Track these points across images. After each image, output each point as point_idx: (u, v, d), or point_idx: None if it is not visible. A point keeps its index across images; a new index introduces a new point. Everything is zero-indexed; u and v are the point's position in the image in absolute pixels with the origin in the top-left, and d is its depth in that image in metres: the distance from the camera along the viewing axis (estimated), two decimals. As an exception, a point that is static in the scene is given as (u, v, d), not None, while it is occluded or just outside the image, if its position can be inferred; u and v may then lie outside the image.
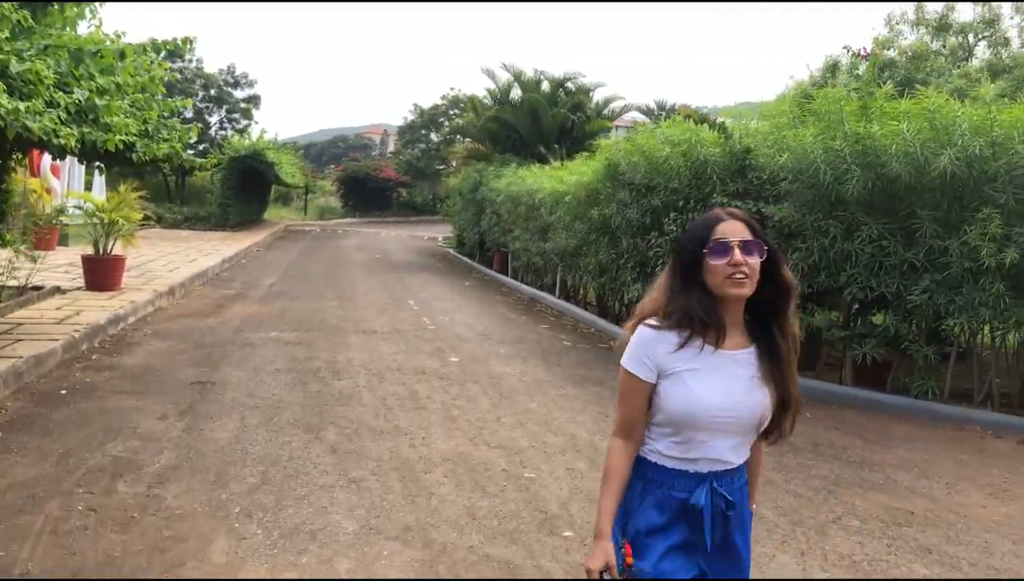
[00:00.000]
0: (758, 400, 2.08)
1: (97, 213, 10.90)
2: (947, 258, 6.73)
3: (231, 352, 8.26)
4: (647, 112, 29.38)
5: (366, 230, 32.92)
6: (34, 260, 10.30)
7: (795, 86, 10.14)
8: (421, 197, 44.22)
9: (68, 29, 6.26)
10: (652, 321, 2.12)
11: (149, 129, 7.93)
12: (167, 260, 15.45)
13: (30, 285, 10.31)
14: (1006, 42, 10.37)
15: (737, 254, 2.00)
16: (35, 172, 16.04)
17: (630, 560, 2.07)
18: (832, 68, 9.99)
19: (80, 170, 18.34)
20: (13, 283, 9.87)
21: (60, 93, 5.76)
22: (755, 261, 2.03)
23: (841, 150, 7.12)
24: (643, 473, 2.16)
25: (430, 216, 42.97)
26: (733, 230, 2.05)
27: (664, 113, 26.20)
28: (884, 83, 8.35)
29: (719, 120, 8.41)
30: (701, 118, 8.49)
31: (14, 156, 8.51)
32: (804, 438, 6.17)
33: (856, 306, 7.65)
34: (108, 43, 6.37)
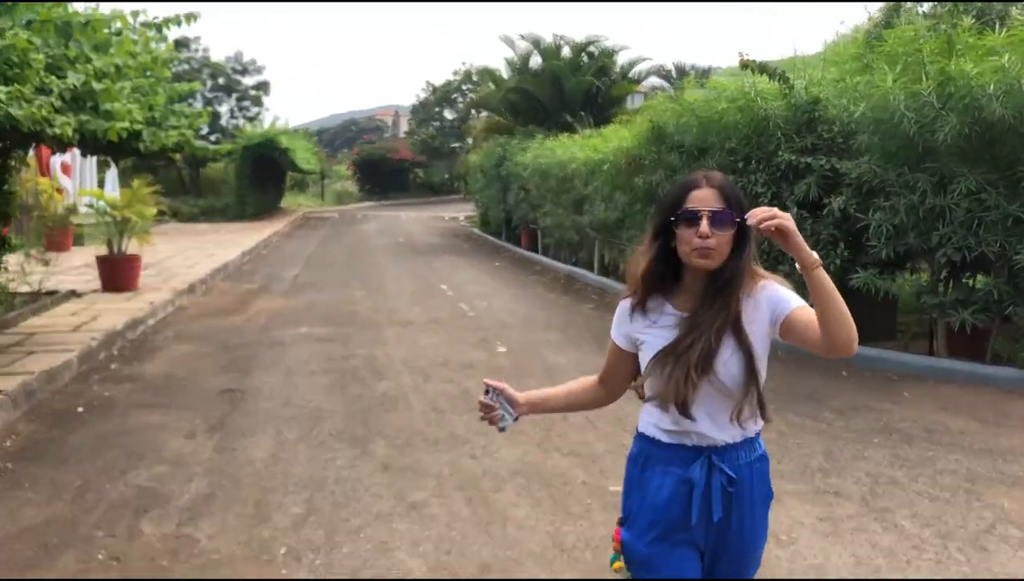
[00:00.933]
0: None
1: (109, 211, 10.27)
2: (1061, 209, 5.93)
3: (260, 353, 7.62)
4: (666, 75, 28.40)
5: (385, 213, 32.28)
6: (46, 263, 9.74)
7: (852, 31, 9.31)
8: (438, 177, 43.50)
9: (58, 7, 5.57)
10: (630, 297, 2.12)
11: (156, 116, 7.26)
12: (185, 256, 14.86)
13: (44, 290, 9.74)
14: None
15: (704, 225, 1.91)
16: (45, 171, 15.47)
17: (617, 545, 2.10)
18: (896, 8, 9.15)
19: (92, 168, 17.77)
20: (26, 289, 9.31)
21: (52, 78, 5.09)
22: (725, 233, 1.92)
23: (928, 94, 6.31)
24: (644, 448, 2.12)
25: (448, 196, 42.28)
26: (705, 198, 1.94)
27: (691, 75, 25.28)
28: (960, 18, 7.49)
29: (779, 70, 7.58)
30: (760, 67, 7.64)
31: (15, 154, 7.87)
32: (912, 423, 5.44)
33: (947, 269, 6.86)
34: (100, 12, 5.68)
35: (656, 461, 2.08)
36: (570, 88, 18.55)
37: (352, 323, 9.13)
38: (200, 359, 7.41)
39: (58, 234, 14.01)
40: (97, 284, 10.49)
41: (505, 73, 20.45)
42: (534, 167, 15.32)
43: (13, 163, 7.98)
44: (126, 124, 5.72)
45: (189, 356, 7.53)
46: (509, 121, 19.82)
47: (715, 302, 1.97)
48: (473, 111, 38.84)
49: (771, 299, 1.99)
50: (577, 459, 4.78)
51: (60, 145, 5.94)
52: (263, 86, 33.83)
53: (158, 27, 6.60)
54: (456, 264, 15.44)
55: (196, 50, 31.65)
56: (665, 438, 2.07)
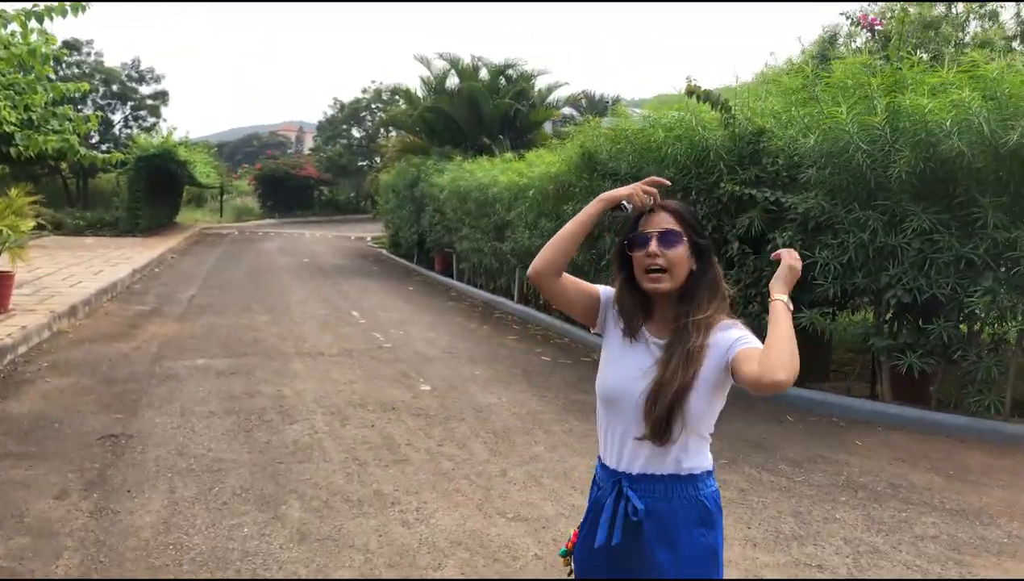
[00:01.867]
0: (643, 388, 1.97)
1: (-22, 221, 9.09)
2: (1015, 253, 5.74)
3: (150, 388, 6.72)
4: (576, 103, 28.36)
5: (288, 231, 30.97)
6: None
7: (786, 64, 9.14)
8: (344, 195, 42.31)
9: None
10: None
11: (33, 117, 6.33)
12: (68, 273, 13.54)
13: None
14: (995, 15, 9.61)
15: (652, 245, 1.96)
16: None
17: (570, 545, 2.16)
18: (830, 40, 9.04)
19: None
20: None
21: None
22: (675, 252, 1.96)
23: (880, 127, 6.06)
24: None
25: (354, 215, 41.16)
26: (657, 221, 2.00)
27: (605, 104, 25.27)
28: (899, 53, 7.36)
29: (722, 98, 7.25)
30: (705, 95, 7.29)
31: None
32: (873, 477, 5.08)
33: (894, 309, 6.61)
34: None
35: (597, 475, 2.15)
36: (488, 111, 18.06)
37: (256, 353, 8.28)
38: (78, 395, 6.45)
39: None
40: (-39, 304, 9.26)
41: (420, 92, 19.81)
42: (451, 189, 14.73)
43: None
44: (-8, 123, 4.84)
45: (65, 391, 6.55)
46: (424, 141, 19.16)
47: (681, 331, 1.96)
48: (384, 130, 38.04)
49: (726, 339, 1.92)
50: (524, 525, 4.17)
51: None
52: (161, 96, 32.11)
53: (38, 16, 5.71)
54: (367, 287, 14.64)
55: (88, 53, 29.80)
56: (602, 454, 2.13)
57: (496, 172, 12.82)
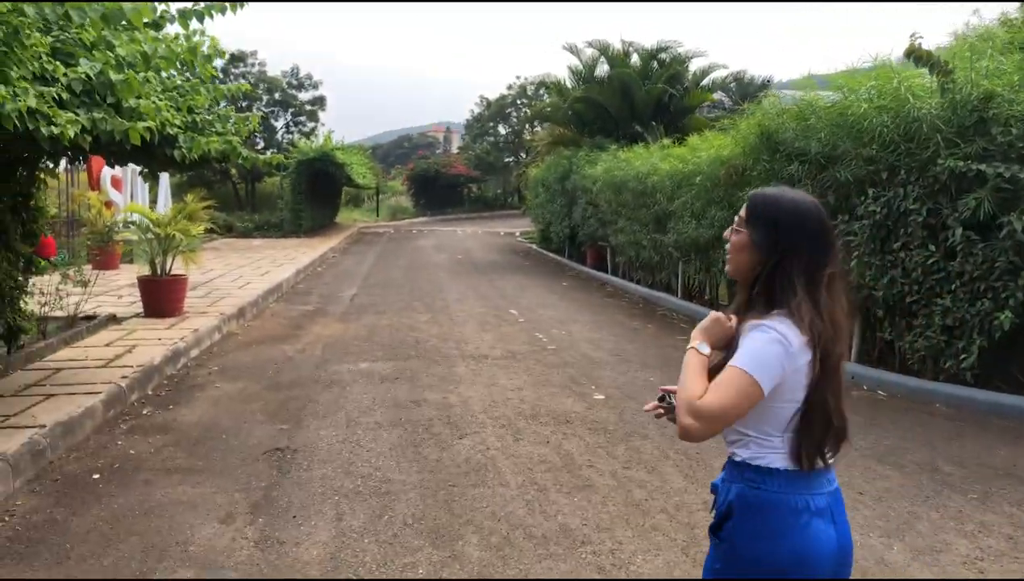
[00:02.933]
0: None
1: (152, 228, 9.22)
2: None
3: (315, 395, 6.42)
4: (727, 86, 26.83)
5: (440, 229, 31.21)
6: (84, 285, 8.67)
7: (999, 18, 7.83)
8: (492, 192, 42.39)
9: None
10: None
11: (197, 120, 6.12)
12: (237, 274, 13.84)
13: (80, 314, 8.71)
14: None
15: (727, 232, 1.98)
16: (95, 185, 14.64)
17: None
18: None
19: (143, 182, 16.90)
20: (60, 313, 8.27)
21: (57, 64, 3.96)
22: (735, 240, 1.94)
23: None
24: None
25: (502, 211, 41.14)
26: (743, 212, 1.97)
27: (756, 86, 23.68)
28: None
29: (942, 60, 6.16)
30: (925, 57, 6.22)
31: (42, 166, 6.83)
32: None
33: None
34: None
35: None
36: (640, 97, 17.16)
37: (419, 355, 7.90)
38: (246, 402, 6.23)
39: (104, 252, 13.09)
40: (141, 307, 9.44)
41: (569, 83, 19.12)
42: (605, 180, 14.00)
43: (42, 176, 6.93)
44: (151, 124, 4.56)
45: (234, 397, 6.36)
46: (574, 133, 18.49)
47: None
48: (530, 125, 37.72)
49: (740, 343, 1.86)
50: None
51: (74, 151, 4.84)
52: (319, 101, 33.06)
53: (199, 14, 5.45)
54: (522, 284, 14.16)
55: (252, 64, 31.02)
56: None
57: (655, 160, 11.99)
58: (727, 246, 1.96)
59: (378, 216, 37.12)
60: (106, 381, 6.16)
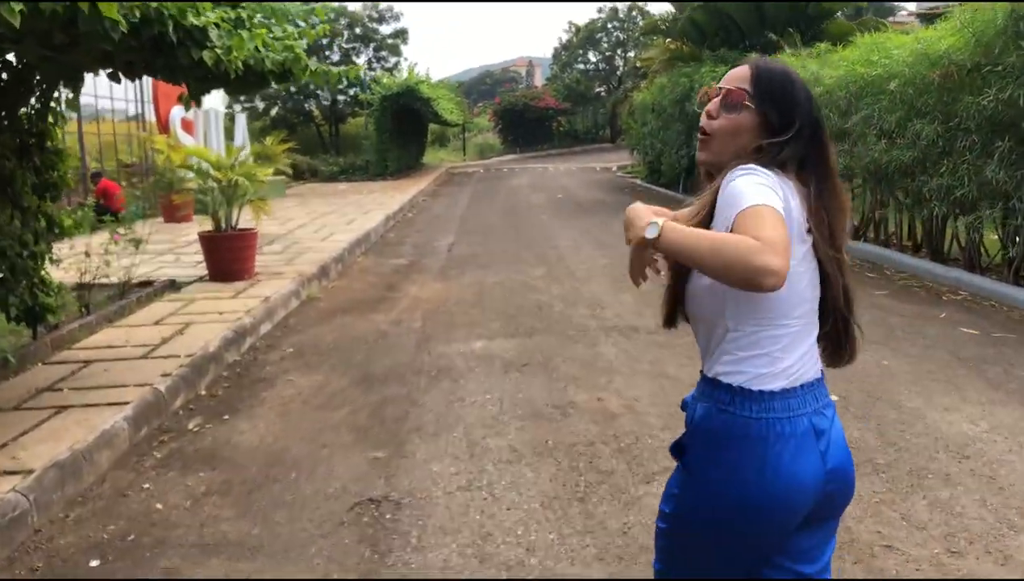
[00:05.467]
0: None
1: (212, 173, 7.53)
2: None
3: (419, 394, 4.63)
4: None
5: (532, 166, 29.07)
6: (137, 244, 7.07)
7: None
8: (583, 124, 39.80)
9: None
10: None
11: (242, 16, 4.31)
12: (320, 223, 12.21)
13: (135, 280, 7.17)
14: None
15: (712, 103, 1.60)
16: (164, 128, 13.16)
17: None
18: None
19: (219, 124, 15.40)
20: (106, 280, 6.72)
21: None
22: (729, 118, 1.55)
23: None
24: None
25: (593, 144, 38.67)
26: (734, 76, 1.59)
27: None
28: None
29: None
30: None
31: (56, 94, 5.12)
32: None
33: None
34: None
35: None
36: (772, 1, 14.56)
37: (546, 329, 6.02)
38: (327, 407, 4.48)
39: (175, 203, 11.60)
40: (206, 269, 7.85)
41: (685, -10, 16.57)
42: (741, 99, 11.64)
43: (56, 106, 5.23)
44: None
45: (310, 400, 4.62)
46: (692, 48, 15.99)
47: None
48: (620, 50, 34.81)
49: (725, 199, 1.45)
50: None
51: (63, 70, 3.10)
52: (401, 34, 30.96)
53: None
54: (641, 225, 12.07)
55: (332, -1, 29.16)
56: None
57: (814, 67, 9.58)
58: (710, 126, 1.58)
59: (465, 155, 35.20)
60: (141, 382, 4.50)
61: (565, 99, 38.44)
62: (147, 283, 7.33)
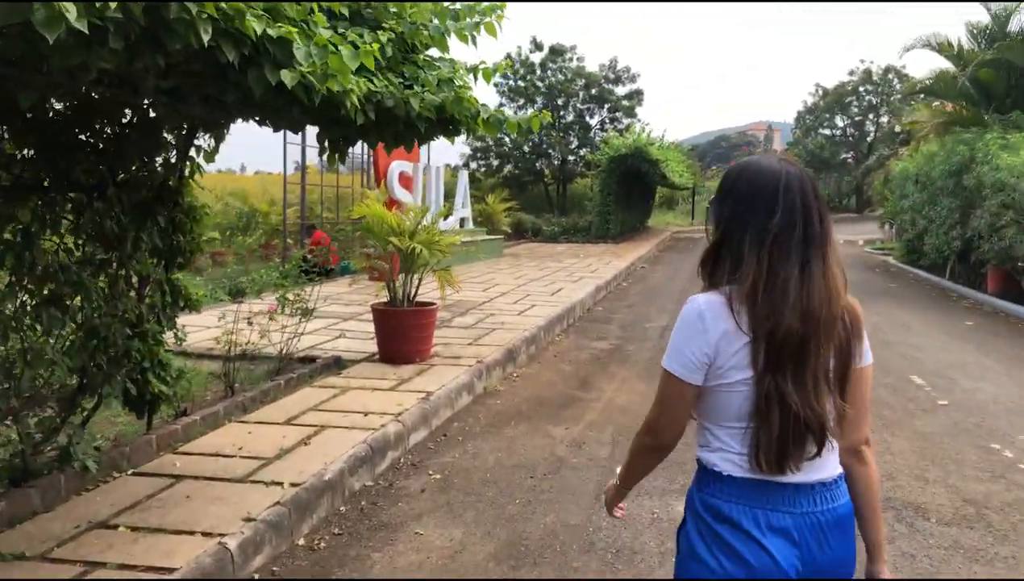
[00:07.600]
0: None
1: (391, 238, 6.43)
2: None
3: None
4: None
5: (765, 234, 26.41)
6: (306, 314, 6.10)
7: None
8: (826, 192, 36.26)
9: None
10: None
11: (386, 62, 3.02)
12: (524, 291, 10.96)
13: (298, 353, 6.20)
14: None
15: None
16: (379, 180, 12.65)
17: None
18: None
19: (439, 181, 14.81)
20: (269, 351, 5.78)
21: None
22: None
23: None
24: None
25: (835, 214, 35.01)
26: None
27: None
28: None
29: None
30: None
31: (194, 145, 4.15)
32: None
33: None
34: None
35: None
36: (1088, 54, 11.53)
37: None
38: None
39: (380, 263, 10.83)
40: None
41: (966, 43, 13.76)
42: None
43: (192, 160, 4.26)
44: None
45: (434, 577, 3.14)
46: (973, 111, 13.17)
47: None
48: (874, 114, 31.31)
49: None
50: None
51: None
52: (636, 95, 29.72)
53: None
54: (900, 320, 9.66)
55: (571, 59, 28.62)
56: None
57: None
58: None
59: (693, 219, 33.16)
60: (210, 529, 3.25)
61: (807, 164, 35.23)
62: (310, 359, 6.33)
